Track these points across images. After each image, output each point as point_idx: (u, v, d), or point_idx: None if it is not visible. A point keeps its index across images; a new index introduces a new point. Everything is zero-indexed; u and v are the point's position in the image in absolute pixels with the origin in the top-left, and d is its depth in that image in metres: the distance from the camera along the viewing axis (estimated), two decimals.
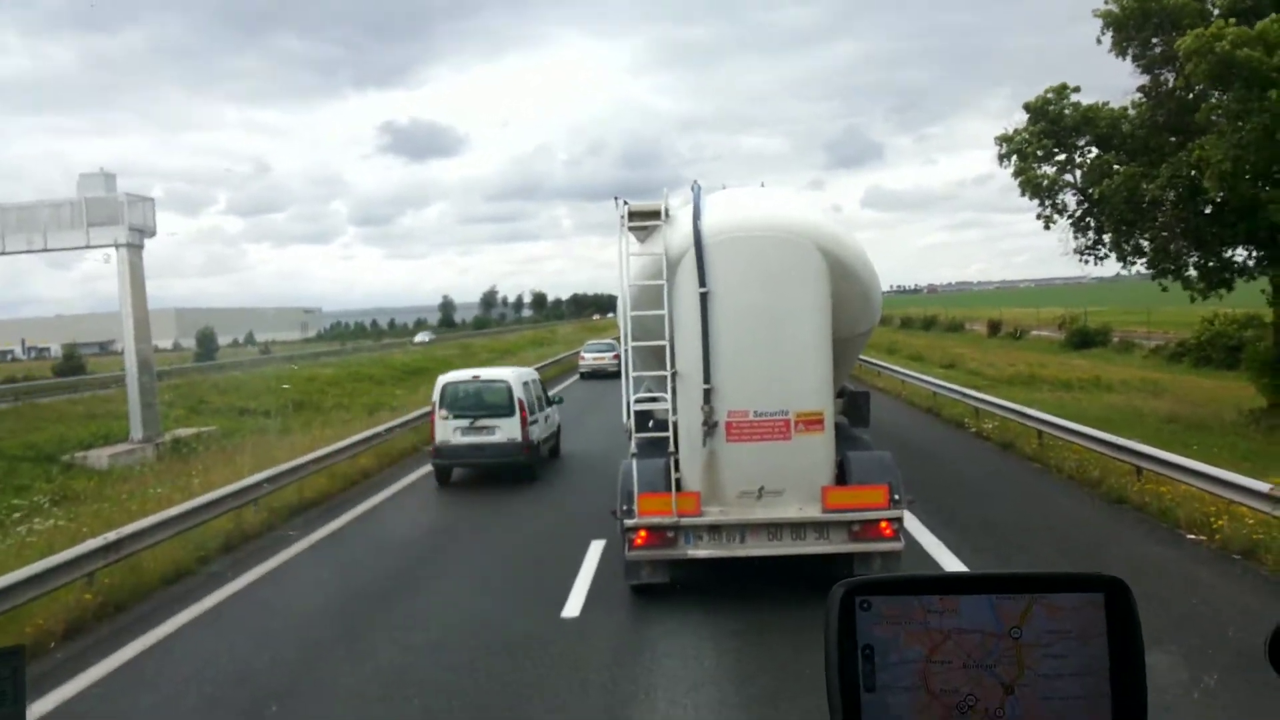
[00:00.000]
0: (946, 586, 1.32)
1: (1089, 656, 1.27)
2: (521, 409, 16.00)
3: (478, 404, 16.27)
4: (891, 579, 1.34)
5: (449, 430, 16.02)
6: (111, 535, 10.03)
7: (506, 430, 15.92)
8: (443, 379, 16.77)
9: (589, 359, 39.12)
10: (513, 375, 16.89)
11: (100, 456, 23.55)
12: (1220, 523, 10.48)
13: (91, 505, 15.29)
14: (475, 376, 17.01)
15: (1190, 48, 16.64)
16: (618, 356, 26.62)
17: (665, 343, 8.69)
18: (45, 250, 24.75)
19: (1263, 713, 5.93)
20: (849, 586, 1.29)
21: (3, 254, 24.45)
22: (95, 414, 29.46)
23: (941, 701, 1.26)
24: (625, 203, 8.89)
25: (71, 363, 56.29)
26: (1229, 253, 19.93)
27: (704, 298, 8.52)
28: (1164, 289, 20.81)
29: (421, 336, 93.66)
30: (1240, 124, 16.70)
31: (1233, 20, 16.73)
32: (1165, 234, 19.85)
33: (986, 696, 1.26)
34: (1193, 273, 20.30)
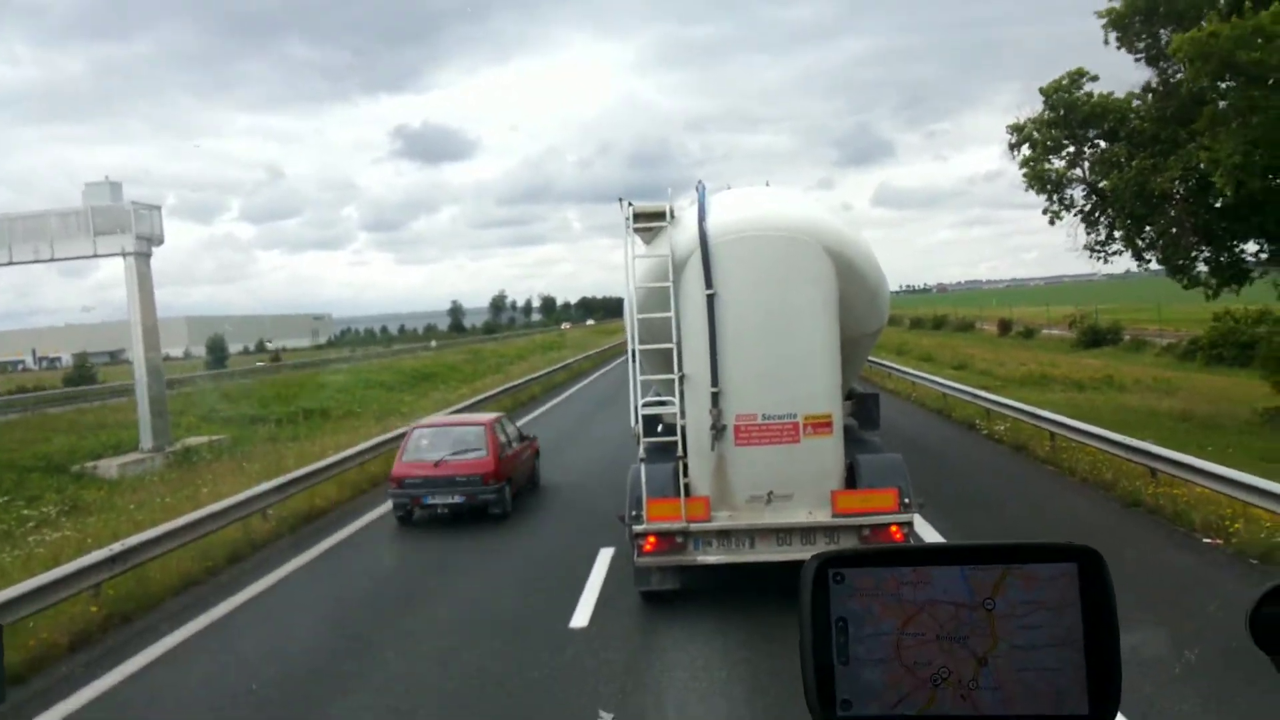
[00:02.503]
0: (919, 558, 1.30)
1: (1063, 627, 1.24)
2: None
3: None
4: (864, 551, 1.32)
5: None
6: (117, 546, 9.99)
7: None
8: None
9: None
10: None
11: (110, 466, 23.58)
12: (1236, 526, 10.31)
13: (100, 516, 15.27)
14: None
15: (1190, 52, 16.41)
16: None
17: (672, 346, 8.58)
18: (52, 260, 24.79)
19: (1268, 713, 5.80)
20: (822, 559, 1.28)
21: (11, 264, 24.48)
22: (106, 423, 29.53)
23: (915, 674, 1.24)
24: (630, 204, 8.81)
25: (82, 372, 56.50)
26: (1240, 248, 19.71)
27: (711, 299, 8.42)
28: (1185, 287, 20.54)
29: None
30: (1248, 119, 16.50)
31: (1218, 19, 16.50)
32: (1175, 229, 19.64)
33: (960, 668, 1.24)
34: (1203, 269, 20.09)
